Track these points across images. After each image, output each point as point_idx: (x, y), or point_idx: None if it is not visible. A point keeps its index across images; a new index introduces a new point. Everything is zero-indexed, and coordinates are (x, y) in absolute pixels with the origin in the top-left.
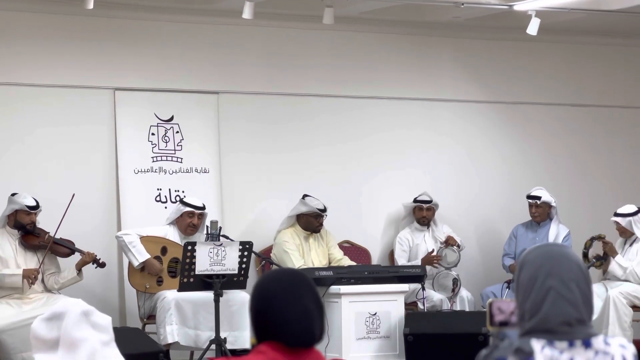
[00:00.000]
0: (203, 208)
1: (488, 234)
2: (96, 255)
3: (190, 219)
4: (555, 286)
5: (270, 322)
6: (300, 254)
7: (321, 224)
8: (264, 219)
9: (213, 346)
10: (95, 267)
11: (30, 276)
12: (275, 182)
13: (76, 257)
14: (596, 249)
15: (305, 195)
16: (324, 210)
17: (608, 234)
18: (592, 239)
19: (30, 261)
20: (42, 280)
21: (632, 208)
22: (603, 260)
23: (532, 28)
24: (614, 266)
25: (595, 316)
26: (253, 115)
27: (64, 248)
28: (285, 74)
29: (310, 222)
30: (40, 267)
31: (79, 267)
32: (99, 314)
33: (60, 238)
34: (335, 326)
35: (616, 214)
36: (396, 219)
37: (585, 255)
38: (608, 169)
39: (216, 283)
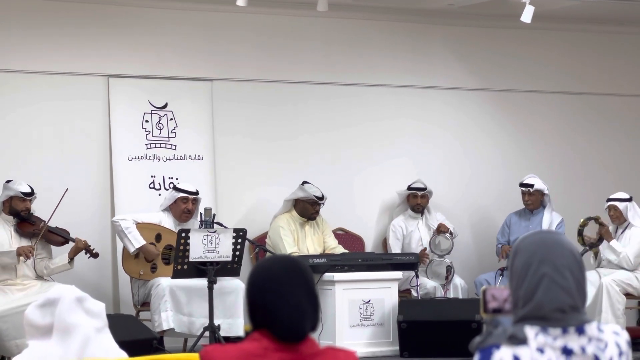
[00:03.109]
0: (197, 193)
1: (482, 222)
2: (89, 245)
3: (185, 205)
4: (549, 273)
5: (263, 314)
6: (295, 240)
7: (317, 212)
8: (258, 206)
9: (207, 333)
10: (88, 257)
11: (25, 252)
12: (268, 169)
13: (70, 247)
14: (591, 230)
15: (304, 182)
16: (322, 198)
17: None
18: (589, 219)
19: None
20: (34, 266)
21: (624, 195)
22: (598, 242)
23: (526, 16)
24: (608, 250)
25: (587, 303)
26: (247, 102)
27: (58, 237)
28: (279, 61)
29: (307, 208)
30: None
31: (72, 256)
32: (92, 301)
33: (56, 227)
34: (328, 313)
35: (613, 199)
36: (390, 206)
37: (580, 233)
38: (602, 157)
39: (210, 270)
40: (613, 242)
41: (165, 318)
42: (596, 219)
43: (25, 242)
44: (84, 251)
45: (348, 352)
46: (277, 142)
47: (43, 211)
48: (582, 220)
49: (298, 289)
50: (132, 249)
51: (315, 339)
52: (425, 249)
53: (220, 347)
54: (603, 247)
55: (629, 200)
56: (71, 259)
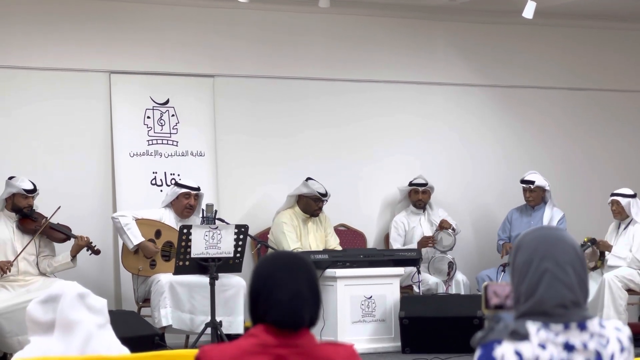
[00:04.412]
0: (198, 189)
1: (483, 218)
2: (91, 242)
3: (187, 200)
4: (551, 269)
5: (263, 303)
6: (298, 236)
7: (320, 209)
8: (260, 203)
9: (208, 330)
10: (90, 254)
11: (2, 267)
12: (270, 165)
13: (72, 243)
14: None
15: (308, 178)
16: (325, 195)
17: (602, 217)
18: (582, 246)
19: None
20: (37, 263)
21: (629, 191)
22: (601, 258)
23: (528, 11)
24: (613, 260)
25: (589, 299)
26: (248, 98)
27: (60, 233)
28: (281, 57)
29: (310, 204)
30: (21, 251)
31: (74, 253)
32: (94, 297)
33: (57, 223)
34: (330, 309)
35: (616, 194)
36: (392, 202)
37: None
38: (605, 153)
39: (212, 266)
40: (614, 251)
41: (165, 314)
42: (588, 241)
43: (27, 239)
44: (85, 248)
45: (347, 346)
46: (279, 139)
47: (44, 207)
48: None
49: (300, 279)
50: (130, 246)
51: (315, 335)
52: (424, 236)
53: (217, 346)
54: (607, 258)
55: (633, 196)
56: (73, 257)
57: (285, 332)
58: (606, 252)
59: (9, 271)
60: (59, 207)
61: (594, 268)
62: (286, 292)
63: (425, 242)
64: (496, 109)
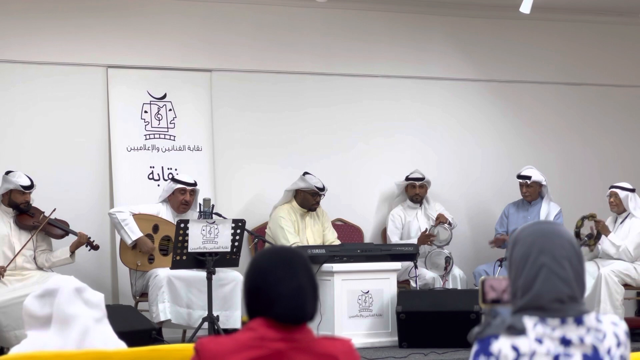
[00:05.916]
0: (194, 184)
1: (480, 213)
2: (90, 237)
3: (182, 196)
4: (548, 263)
5: (263, 297)
6: (296, 230)
7: (317, 203)
8: (257, 197)
9: (205, 325)
10: (89, 250)
11: None
12: (267, 160)
13: (70, 239)
14: (587, 228)
15: (305, 173)
16: (322, 189)
17: (600, 212)
18: (584, 218)
19: (25, 240)
20: (34, 258)
21: (628, 185)
22: (596, 239)
23: (525, 6)
24: (606, 244)
25: (586, 294)
26: (246, 93)
27: (58, 229)
28: (278, 51)
29: (307, 199)
30: (19, 251)
31: (73, 249)
32: (91, 291)
33: (55, 219)
34: (327, 304)
35: (615, 186)
36: (389, 197)
37: (577, 234)
38: (601, 148)
39: (209, 261)
40: (611, 236)
41: (163, 309)
42: (591, 216)
43: (25, 235)
44: (85, 244)
45: (344, 340)
46: (276, 133)
47: (41, 200)
48: (577, 222)
49: (300, 274)
50: (128, 241)
51: (313, 329)
52: (426, 230)
53: (214, 338)
54: (601, 242)
55: (632, 191)
56: (72, 253)
57: (285, 326)
58: (602, 237)
59: (2, 277)
60: (54, 209)
61: (585, 244)
62: (289, 287)
63: (425, 238)
64: (494, 103)
